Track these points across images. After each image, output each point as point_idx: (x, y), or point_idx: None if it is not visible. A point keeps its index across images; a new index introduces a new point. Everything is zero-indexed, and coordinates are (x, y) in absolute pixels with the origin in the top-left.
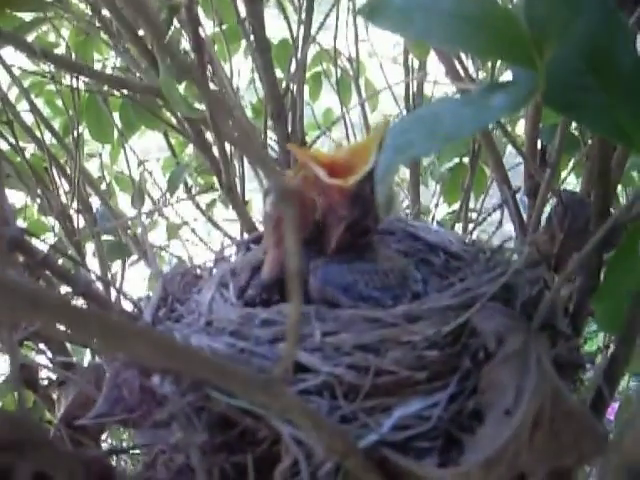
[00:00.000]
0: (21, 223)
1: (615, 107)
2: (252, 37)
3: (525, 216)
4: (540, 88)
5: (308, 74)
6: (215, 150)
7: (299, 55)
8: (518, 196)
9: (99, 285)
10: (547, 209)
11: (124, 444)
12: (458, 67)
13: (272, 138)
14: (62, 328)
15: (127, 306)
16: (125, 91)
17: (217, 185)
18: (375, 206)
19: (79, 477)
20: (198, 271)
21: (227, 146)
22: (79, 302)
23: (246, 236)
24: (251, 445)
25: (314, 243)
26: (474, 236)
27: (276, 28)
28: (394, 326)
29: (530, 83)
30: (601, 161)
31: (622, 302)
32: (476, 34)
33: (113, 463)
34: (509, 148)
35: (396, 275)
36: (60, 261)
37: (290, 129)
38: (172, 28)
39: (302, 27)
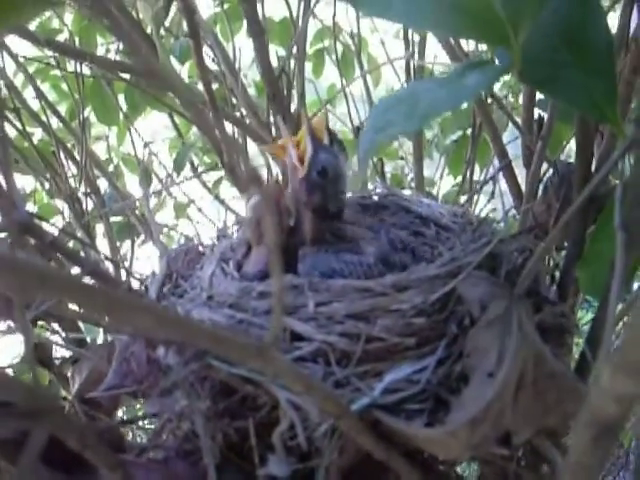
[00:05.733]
0: (31, 207)
1: (589, 82)
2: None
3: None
4: (516, 66)
5: (310, 51)
6: (216, 131)
7: (298, 31)
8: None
9: (108, 265)
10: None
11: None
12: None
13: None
14: (73, 306)
15: (135, 284)
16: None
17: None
18: (336, 189)
19: (89, 441)
20: (201, 248)
21: (230, 126)
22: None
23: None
24: (252, 411)
25: (298, 236)
26: (474, 207)
27: (278, 4)
28: (384, 295)
29: (505, 61)
30: (580, 133)
31: (604, 268)
32: (452, 16)
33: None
34: None
35: (379, 268)
36: (70, 243)
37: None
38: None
39: (302, 3)
